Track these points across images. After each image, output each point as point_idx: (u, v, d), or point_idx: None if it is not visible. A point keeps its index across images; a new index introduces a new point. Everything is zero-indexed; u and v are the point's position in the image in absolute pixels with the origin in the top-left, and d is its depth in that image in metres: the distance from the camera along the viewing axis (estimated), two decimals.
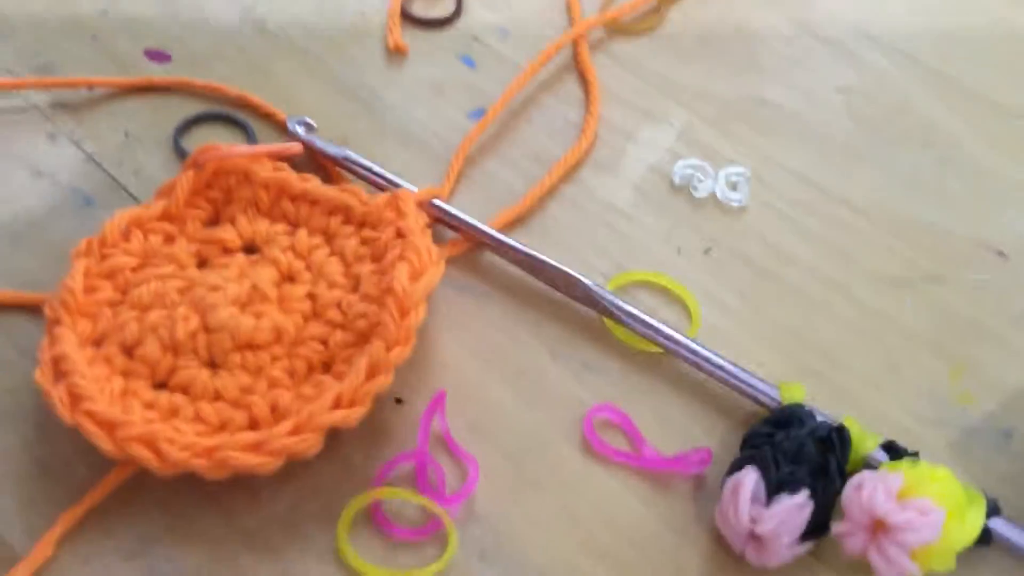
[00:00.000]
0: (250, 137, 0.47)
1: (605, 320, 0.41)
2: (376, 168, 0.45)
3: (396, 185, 0.44)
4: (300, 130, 0.46)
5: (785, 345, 0.41)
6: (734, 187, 0.46)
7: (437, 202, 0.44)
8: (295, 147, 0.44)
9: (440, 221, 0.44)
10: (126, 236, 0.41)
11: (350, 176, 0.46)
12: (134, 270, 0.41)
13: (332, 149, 0.46)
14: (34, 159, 0.46)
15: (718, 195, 0.45)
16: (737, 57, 0.51)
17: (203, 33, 0.51)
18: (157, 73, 0.50)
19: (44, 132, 0.47)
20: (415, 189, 0.44)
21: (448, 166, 0.46)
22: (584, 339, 0.41)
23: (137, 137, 0.47)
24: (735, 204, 0.45)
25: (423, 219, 0.42)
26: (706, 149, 0.47)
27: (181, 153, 0.46)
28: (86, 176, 0.46)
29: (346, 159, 0.45)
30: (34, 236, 0.44)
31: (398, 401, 0.39)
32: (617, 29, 0.52)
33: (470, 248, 0.44)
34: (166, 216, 0.42)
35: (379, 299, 0.39)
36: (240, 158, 0.43)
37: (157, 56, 0.50)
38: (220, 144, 0.43)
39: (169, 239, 0.42)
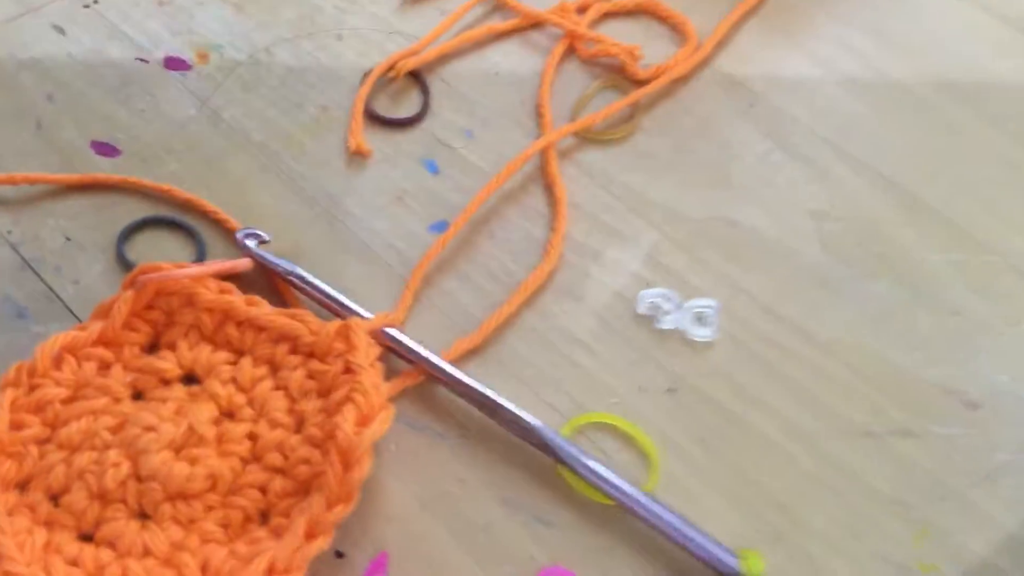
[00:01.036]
0: (199, 245, 0.45)
1: (559, 467, 0.39)
2: (328, 290, 0.43)
3: (349, 309, 0.42)
4: (251, 243, 0.44)
5: (746, 499, 0.40)
6: (701, 320, 0.44)
7: (390, 331, 0.42)
8: (244, 264, 0.42)
9: (393, 351, 0.42)
10: (58, 363, 0.39)
11: (302, 295, 0.44)
12: (65, 402, 0.38)
13: (283, 265, 0.43)
14: None
15: (684, 329, 0.44)
16: (709, 172, 0.50)
17: (155, 124, 0.49)
18: (104, 168, 0.47)
19: None
20: (368, 315, 0.42)
21: (404, 286, 0.44)
22: (538, 487, 0.39)
23: (78, 242, 0.45)
24: (701, 339, 0.44)
25: (375, 352, 0.40)
26: (674, 275, 0.46)
27: (124, 262, 0.44)
28: (20, 284, 0.43)
29: (298, 277, 0.43)
30: None
31: (339, 555, 0.37)
32: (588, 137, 0.51)
33: (424, 380, 0.42)
34: (102, 340, 0.40)
35: (323, 444, 0.37)
36: (190, 280, 0.41)
37: (105, 149, 0.48)
38: (163, 263, 0.41)
39: (104, 366, 0.40)
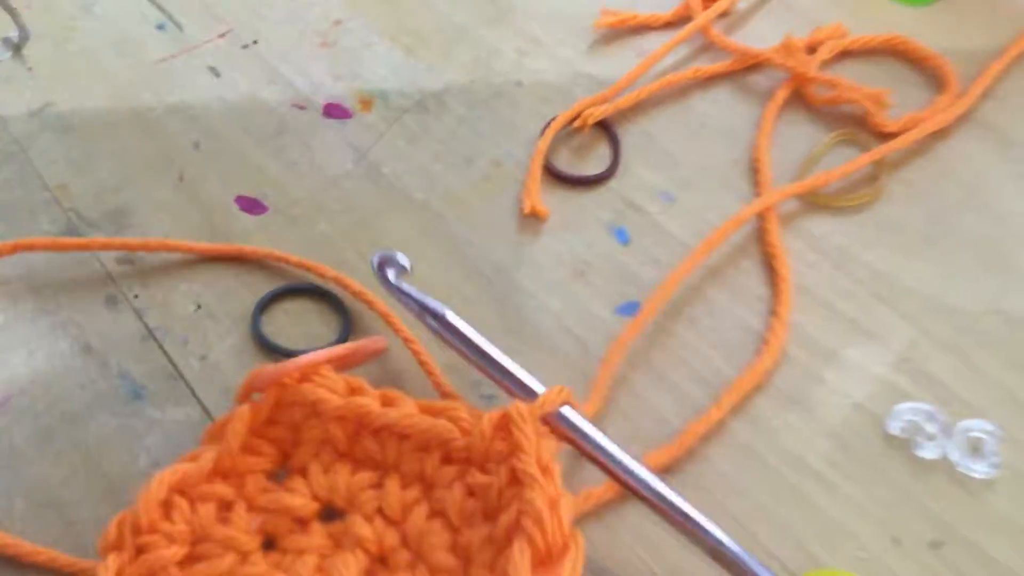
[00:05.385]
0: (344, 319, 0.38)
1: None
2: (485, 346, 0.34)
3: (515, 380, 0.33)
4: (390, 274, 0.36)
5: None
6: (976, 449, 0.33)
7: (568, 413, 0.32)
8: (378, 343, 0.35)
9: (572, 443, 0.32)
10: (167, 510, 0.31)
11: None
12: (182, 565, 0.31)
13: (431, 305, 0.34)
14: (86, 329, 0.38)
15: (954, 460, 0.33)
16: (981, 252, 0.39)
17: (308, 178, 0.43)
18: (248, 225, 0.41)
19: (104, 295, 0.39)
20: (540, 389, 0.32)
21: (589, 381, 0.36)
22: None
23: (210, 311, 0.39)
24: (978, 476, 0.33)
25: (550, 447, 0.30)
26: (938, 386, 0.35)
27: (259, 337, 0.38)
28: (141, 358, 0.37)
29: (446, 325, 0.34)
30: (65, 434, 0.35)
31: None
32: (819, 203, 0.41)
33: (613, 497, 0.33)
34: (219, 471, 0.32)
35: None
36: (306, 370, 0.33)
37: (250, 205, 0.42)
38: (267, 365, 0.33)
39: (224, 508, 0.32)
